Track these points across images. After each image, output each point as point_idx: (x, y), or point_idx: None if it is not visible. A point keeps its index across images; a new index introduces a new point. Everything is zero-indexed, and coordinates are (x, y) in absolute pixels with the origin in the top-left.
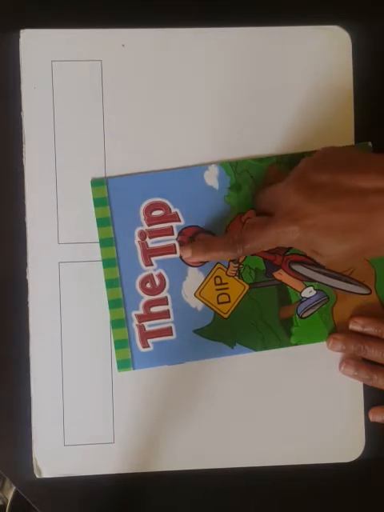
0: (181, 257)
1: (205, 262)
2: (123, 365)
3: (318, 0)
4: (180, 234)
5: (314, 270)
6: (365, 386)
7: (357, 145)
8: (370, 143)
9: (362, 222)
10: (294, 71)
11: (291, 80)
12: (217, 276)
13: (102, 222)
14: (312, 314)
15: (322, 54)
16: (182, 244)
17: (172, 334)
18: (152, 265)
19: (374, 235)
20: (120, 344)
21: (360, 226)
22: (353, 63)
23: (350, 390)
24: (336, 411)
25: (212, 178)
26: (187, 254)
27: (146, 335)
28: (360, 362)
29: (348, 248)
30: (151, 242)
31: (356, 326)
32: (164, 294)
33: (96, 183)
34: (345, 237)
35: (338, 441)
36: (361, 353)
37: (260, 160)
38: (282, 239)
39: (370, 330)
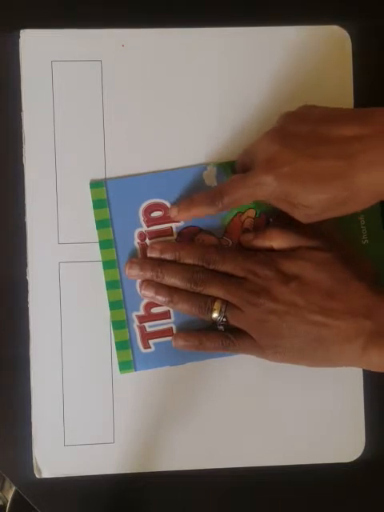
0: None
1: (190, 218)
2: (125, 366)
3: (317, 0)
4: (179, 234)
5: None
6: (365, 385)
7: None
8: None
9: (341, 169)
10: (294, 71)
11: (291, 80)
12: None
13: (101, 224)
14: None
15: (322, 54)
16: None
17: (173, 335)
18: None
19: (351, 183)
20: (121, 345)
21: (339, 173)
22: (353, 63)
23: (350, 390)
24: (336, 411)
25: (211, 178)
26: (173, 212)
27: (147, 336)
28: (160, 284)
29: (325, 197)
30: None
31: (154, 252)
32: None
33: (95, 185)
34: (323, 185)
35: (337, 441)
36: (158, 278)
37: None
38: (259, 191)
39: (167, 255)
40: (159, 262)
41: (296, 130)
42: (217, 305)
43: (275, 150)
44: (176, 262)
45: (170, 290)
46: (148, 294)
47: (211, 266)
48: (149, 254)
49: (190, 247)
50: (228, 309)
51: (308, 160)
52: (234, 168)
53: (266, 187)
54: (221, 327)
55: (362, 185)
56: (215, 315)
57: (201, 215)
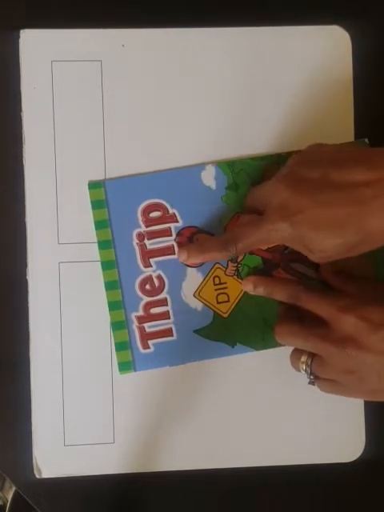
0: (178, 246)
1: (202, 263)
2: (124, 367)
3: (317, 0)
4: (178, 234)
5: (313, 268)
6: None
7: (354, 141)
8: (366, 140)
9: (352, 215)
10: (294, 71)
11: (291, 80)
12: (216, 276)
13: (100, 225)
14: None
15: (321, 54)
16: (180, 245)
17: (172, 335)
18: (151, 266)
19: (365, 227)
20: (121, 346)
21: (351, 219)
22: (353, 63)
23: None
24: (336, 411)
25: (209, 178)
26: (183, 257)
27: (146, 336)
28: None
29: (340, 242)
30: (150, 244)
31: (248, 285)
32: (163, 295)
33: (93, 186)
34: (336, 231)
35: (338, 441)
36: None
37: (257, 159)
38: (274, 236)
39: (260, 290)
40: (271, 281)
41: (306, 176)
42: (303, 358)
43: (288, 196)
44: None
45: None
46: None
47: (298, 304)
48: (243, 287)
49: (280, 284)
50: (314, 360)
51: (321, 207)
52: (233, 168)
53: (281, 233)
54: (310, 378)
55: (374, 229)
56: (303, 368)
57: (211, 260)
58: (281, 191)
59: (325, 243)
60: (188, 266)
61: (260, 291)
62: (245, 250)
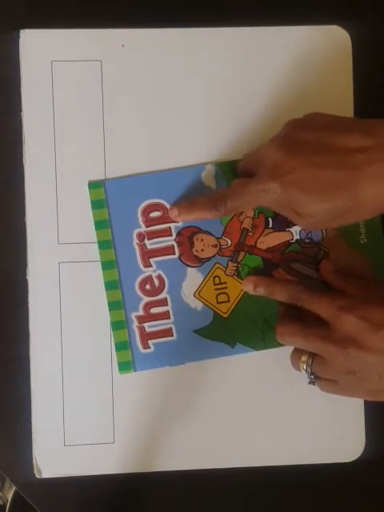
0: (180, 257)
1: (191, 221)
2: (124, 367)
3: (317, 0)
4: (178, 234)
5: (313, 268)
6: None
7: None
8: None
9: (344, 180)
10: (294, 71)
11: (291, 80)
12: (216, 276)
13: (100, 225)
14: None
15: (322, 54)
16: (180, 245)
17: (172, 335)
18: (151, 266)
19: (355, 194)
20: (121, 346)
21: (342, 183)
22: (353, 63)
23: None
24: (336, 411)
25: (209, 177)
26: (174, 214)
27: (146, 336)
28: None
29: (329, 207)
30: (150, 244)
31: (248, 285)
32: (163, 294)
33: (93, 185)
34: (326, 195)
35: (338, 441)
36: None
37: None
38: (263, 197)
39: (261, 290)
40: (272, 281)
41: (301, 138)
42: (303, 358)
43: (281, 157)
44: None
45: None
46: (248, 289)
47: (299, 304)
48: (243, 287)
49: (280, 284)
50: (315, 360)
51: (313, 169)
52: (233, 168)
53: (271, 194)
54: (311, 378)
55: (366, 196)
56: (303, 367)
57: (201, 218)
58: (273, 152)
59: (314, 207)
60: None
61: (260, 291)
62: (234, 210)
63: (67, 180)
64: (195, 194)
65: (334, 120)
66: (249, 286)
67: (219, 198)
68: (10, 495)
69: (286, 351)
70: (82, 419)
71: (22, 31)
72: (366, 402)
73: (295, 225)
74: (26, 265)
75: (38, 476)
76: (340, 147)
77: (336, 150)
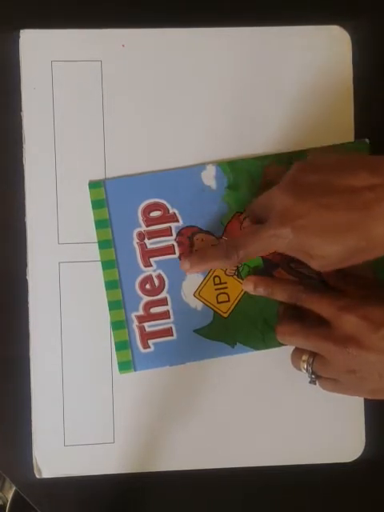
0: (180, 257)
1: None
2: (124, 366)
3: (317, 0)
4: (179, 234)
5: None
6: None
7: (355, 141)
8: (367, 140)
9: (354, 220)
10: (294, 71)
11: (291, 80)
12: (216, 276)
13: (100, 224)
14: None
15: (322, 54)
16: (180, 245)
17: (172, 335)
18: (151, 266)
19: (367, 233)
20: (121, 345)
21: (353, 224)
22: (353, 63)
23: None
24: (336, 411)
25: (210, 177)
26: (186, 267)
27: (146, 336)
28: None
29: (341, 248)
30: (150, 243)
31: (248, 285)
32: (163, 294)
33: (94, 185)
34: (338, 236)
35: (338, 441)
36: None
37: (257, 159)
38: (275, 243)
39: (260, 289)
40: (272, 281)
41: (308, 181)
42: (304, 357)
43: (290, 202)
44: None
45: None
46: (248, 289)
47: (299, 304)
48: (243, 287)
49: (280, 284)
50: (316, 359)
51: (323, 211)
52: (233, 168)
53: (282, 239)
54: (312, 377)
55: (378, 235)
56: (304, 367)
57: (214, 268)
58: (282, 198)
59: (326, 249)
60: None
61: (260, 291)
62: (246, 258)
63: (67, 180)
64: (195, 194)
65: (339, 160)
66: (249, 286)
67: (231, 247)
68: (10, 495)
69: (286, 351)
70: (82, 419)
71: (21, 31)
72: (365, 402)
73: None
74: (26, 265)
75: (37, 476)
76: (348, 187)
77: (344, 190)
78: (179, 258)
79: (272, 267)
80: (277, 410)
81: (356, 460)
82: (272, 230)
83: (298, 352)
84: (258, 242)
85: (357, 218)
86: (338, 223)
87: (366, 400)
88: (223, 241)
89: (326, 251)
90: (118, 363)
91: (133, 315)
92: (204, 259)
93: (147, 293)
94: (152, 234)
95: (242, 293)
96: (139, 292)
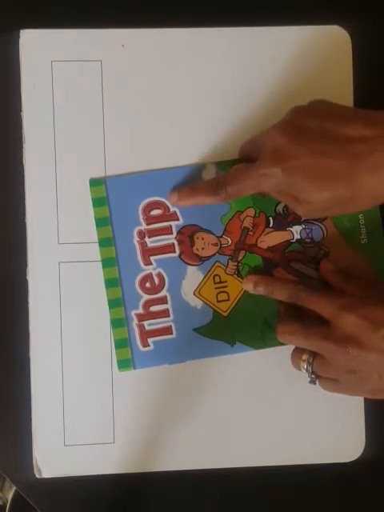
0: (180, 255)
1: (190, 205)
2: (124, 364)
3: (317, 0)
4: (179, 232)
5: (313, 268)
6: None
7: None
8: None
9: (346, 169)
10: (294, 71)
11: (291, 80)
12: (216, 274)
13: (100, 222)
14: None
15: (322, 54)
16: (180, 243)
17: (172, 333)
18: (151, 264)
19: (355, 183)
20: (120, 343)
21: (344, 172)
22: (353, 63)
23: None
24: (336, 411)
25: (210, 176)
26: (174, 198)
27: (146, 334)
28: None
29: (329, 195)
30: (150, 242)
31: (248, 284)
32: (163, 292)
33: (94, 183)
34: (327, 183)
35: (338, 441)
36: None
37: None
38: (264, 182)
39: (260, 288)
40: (272, 280)
41: (305, 125)
42: (304, 357)
43: (284, 142)
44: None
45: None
46: (248, 288)
47: (299, 303)
48: (243, 286)
49: (280, 283)
50: (315, 359)
51: (316, 156)
52: (232, 167)
53: (272, 179)
54: (312, 377)
55: (365, 186)
56: (304, 366)
57: (201, 203)
58: (277, 137)
59: (314, 194)
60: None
61: (260, 290)
62: (234, 194)
63: (67, 180)
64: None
65: (339, 109)
66: (249, 285)
67: (220, 183)
68: (10, 495)
69: (285, 350)
70: (82, 419)
71: (21, 31)
72: (366, 402)
73: (296, 224)
74: (26, 265)
75: (38, 476)
76: (343, 136)
77: (339, 138)
78: (180, 256)
79: (272, 266)
80: (277, 410)
81: (356, 460)
82: (263, 169)
83: (297, 352)
84: (247, 180)
85: (348, 167)
86: (328, 169)
87: (366, 400)
88: (213, 178)
89: (314, 196)
90: (118, 361)
91: (133, 313)
92: (193, 193)
93: (147, 291)
94: (152, 233)
95: (242, 292)
96: (139, 290)
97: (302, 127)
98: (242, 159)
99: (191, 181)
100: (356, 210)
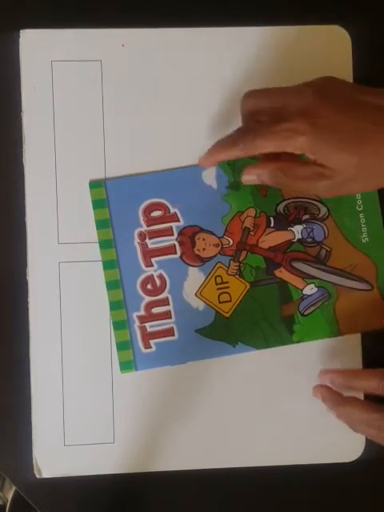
0: (181, 257)
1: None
2: (126, 366)
3: (317, 0)
4: (180, 234)
5: (315, 267)
6: None
7: None
8: None
9: (374, 135)
10: (294, 71)
11: (291, 80)
12: (217, 275)
13: (101, 224)
14: (313, 311)
15: (321, 54)
16: (181, 244)
17: (174, 335)
18: (152, 265)
19: (380, 150)
20: (122, 345)
21: (372, 138)
22: (353, 63)
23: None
24: None
25: (210, 177)
26: (201, 160)
27: (147, 336)
28: (329, 391)
29: (355, 161)
30: (151, 243)
31: (325, 380)
32: (165, 294)
33: (94, 185)
34: (355, 147)
35: (338, 441)
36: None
37: (258, 158)
38: (290, 141)
39: (339, 381)
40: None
41: (337, 91)
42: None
43: (316, 101)
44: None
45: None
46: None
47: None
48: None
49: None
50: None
51: (345, 118)
52: (234, 168)
53: (298, 136)
54: None
55: None
56: None
57: (222, 160)
58: (307, 96)
59: (342, 160)
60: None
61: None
62: (255, 149)
63: (67, 180)
64: (195, 194)
65: (364, 86)
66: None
67: (241, 134)
68: (10, 495)
69: (286, 351)
70: (82, 419)
71: (21, 31)
72: None
73: (297, 224)
74: (26, 265)
75: (37, 476)
76: (371, 103)
77: (369, 105)
78: (181, 257)
79: (274, 266)
80: (277, 410)
81: (356, 460)
82: (291, 123)
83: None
84: (272, 136)
85: (376, 134)
86: (358, 133)
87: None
88: (236, 130)
89: (341, 162)
90: (120, 363)
91: (134, 315)
92: (214, 147)
93: (148, 293)
94: (153, 234)
95: (244, 292)
96: (140, 292)
97: (333, 92)
98: (246, 104)
99: (191, 182)
100: (377, 187)
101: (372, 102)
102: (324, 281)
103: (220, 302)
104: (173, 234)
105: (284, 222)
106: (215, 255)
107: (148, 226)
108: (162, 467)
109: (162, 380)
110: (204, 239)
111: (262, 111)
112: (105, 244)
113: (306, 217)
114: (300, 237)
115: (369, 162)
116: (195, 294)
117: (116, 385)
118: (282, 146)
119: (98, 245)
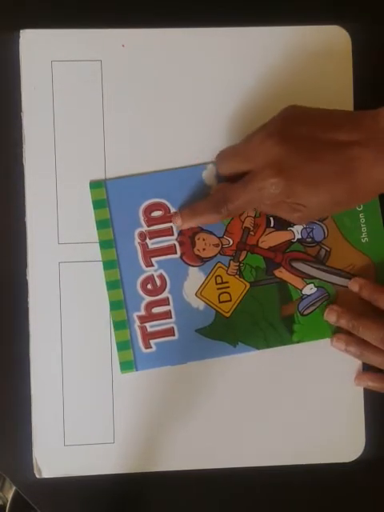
0: (181, 257)
1: (196, 228)
2: (126, 366)
3: (317, 0)
4: (180, 233)
5: (315, 267)
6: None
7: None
8: None
9: (341, 173)
10: (294, 71)
11: (291, 80)
12: (217, 275)
13: (101, 224)
14: (313, 311)
15: (321, 54)
16: (181, 244)
17: (174, 335)
18: (152, 265)
19: (351, 185)
20: (122, 345)
21: (339, 176)
22: (353, 63)
23: (350, 390)
24: (336, 411)
25: (210, 177)
26: (178, 222)
27: (148, 336)
28: (350, 337)
29: (328, 198)
30: (151, 243)
31: (332, 315)
32: (165, 294)
33: (95, 185)
34: (325, 187)
35: (338, 441)
36: (353, 330)
37: None
38: (265, 194)
39: (342, 322)
40: (356, 316)
41: (298, 133)
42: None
43: (281, 152)
44: (372, 317)
45: (361, 346)
46: (339, 347)
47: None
48: (325, 316)
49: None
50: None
51: (312, 164)
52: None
53: (273, 190)
54: None
55: (361, 184)
56: None
57: (205, 223)
58: (272, 147)
59: (313, 199)
60: (188, 264)
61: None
62: (236, 211)
63: (67, 180)
64: (196, 194)
65: (323, 114)
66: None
67: (219, 201)
68: (10, 495)
69: (287, 351)
70: (82, 419)
71: (21, 31)
72: (366, 402)
73: (296, 224)
74: (26, 265)
75: (37, 476)
76: (333, 141)
77: (330, 144)
78: (181, 257)
79: (274, 266)
80: (277, 410)
81: (356, 460)
82: (262, 181)
83: None
84: (247, 194)
85: (342, 171)
86: (325, 175)
87: (365, 400)
88: (212, 193)
89: (313, 200)
90: (120, 363)
91: (134, 315)
92: (194, 214)
93: (149, 293)
94: (153, 234)
95: (244, 292)
96: (141, 292)
97: (294, 135)
98: (226, 172)
99: (192, 182)
100: (355, 206)
101: (334, 139)
102: (323, 281)
103: (220, 302)
104: (173, 234)
105: (284, 222)
106: (215, 255)
107: (148, 226)
108: (162, 467)
109: (162, 380)
110: (204, 239)
111: (237, 174)
112: (105, 244)
113: None
114: (300, 237)
115: (341, 195)
116: (195, 294)
117: (116, 385)
118: (258, 202)
119: (98, 245)
